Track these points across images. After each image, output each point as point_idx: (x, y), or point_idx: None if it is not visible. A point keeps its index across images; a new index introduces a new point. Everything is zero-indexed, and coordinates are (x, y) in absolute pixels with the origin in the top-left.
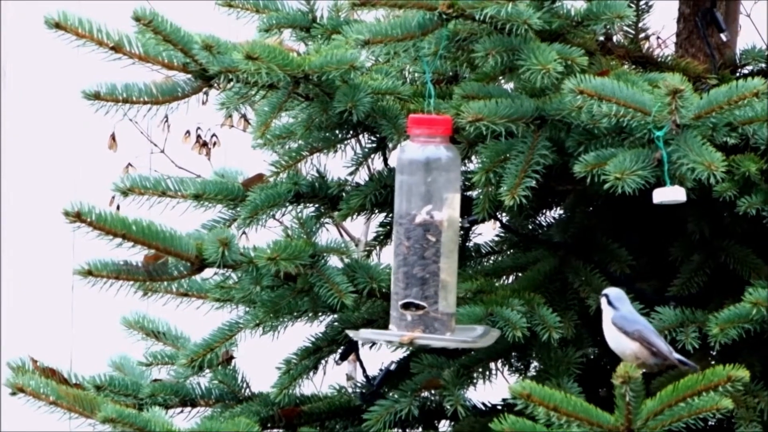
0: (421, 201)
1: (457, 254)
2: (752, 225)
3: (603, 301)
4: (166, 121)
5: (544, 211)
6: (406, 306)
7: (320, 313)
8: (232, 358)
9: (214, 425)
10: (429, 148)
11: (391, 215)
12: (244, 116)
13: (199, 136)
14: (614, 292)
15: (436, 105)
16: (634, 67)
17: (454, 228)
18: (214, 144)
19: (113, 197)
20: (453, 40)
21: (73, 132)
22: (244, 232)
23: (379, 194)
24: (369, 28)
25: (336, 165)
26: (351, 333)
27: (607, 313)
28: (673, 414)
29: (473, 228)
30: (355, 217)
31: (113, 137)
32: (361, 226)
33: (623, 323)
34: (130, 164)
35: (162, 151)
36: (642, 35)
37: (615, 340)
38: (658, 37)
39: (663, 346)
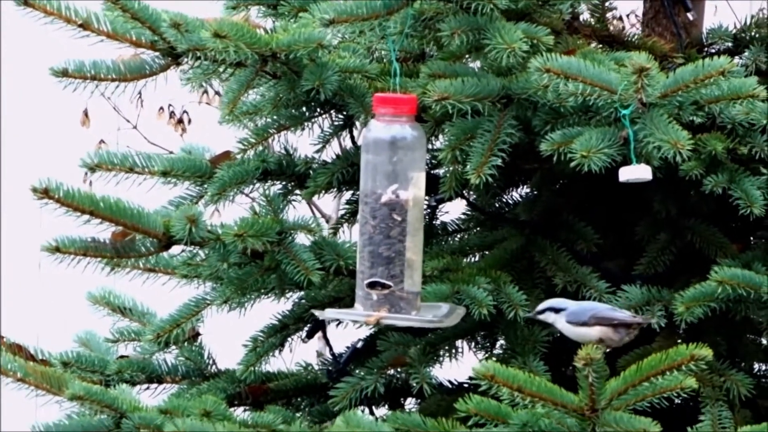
0: (387, 180)
1: (422, 233)
2: (718, 204)
3: (548, 315)
4: (140, 97)
5: (510, 189)
6: (372, 285)
7: (287, 291)
8: (198, 334)
9: (182, 403)
10: (394, 127)
11: (358, 193)
12: (217, 93)
13: (172, 113)
14: (552, 301)
15: (402, 83)
16: (600, 46)
17: (419, 207)
18: (189, 121)
19: (86, 174)
20: (419, 19)
21: (45, 109)
22: (216, 209)
23: (346, 172)
24: (334, 7)
25: (304, 143)
26: (317, 312)
27: (559, 318)
28: (637, 393)
29: (440, 206)
30: (322, 194)
31: (86, 114)
32: (332, 204)
33: (577, 317)
34: (102, 141)
35: (134, 128)
36: (609, 14)
37: (577, 334)
38: (635, 15)
39: (621, 315)
